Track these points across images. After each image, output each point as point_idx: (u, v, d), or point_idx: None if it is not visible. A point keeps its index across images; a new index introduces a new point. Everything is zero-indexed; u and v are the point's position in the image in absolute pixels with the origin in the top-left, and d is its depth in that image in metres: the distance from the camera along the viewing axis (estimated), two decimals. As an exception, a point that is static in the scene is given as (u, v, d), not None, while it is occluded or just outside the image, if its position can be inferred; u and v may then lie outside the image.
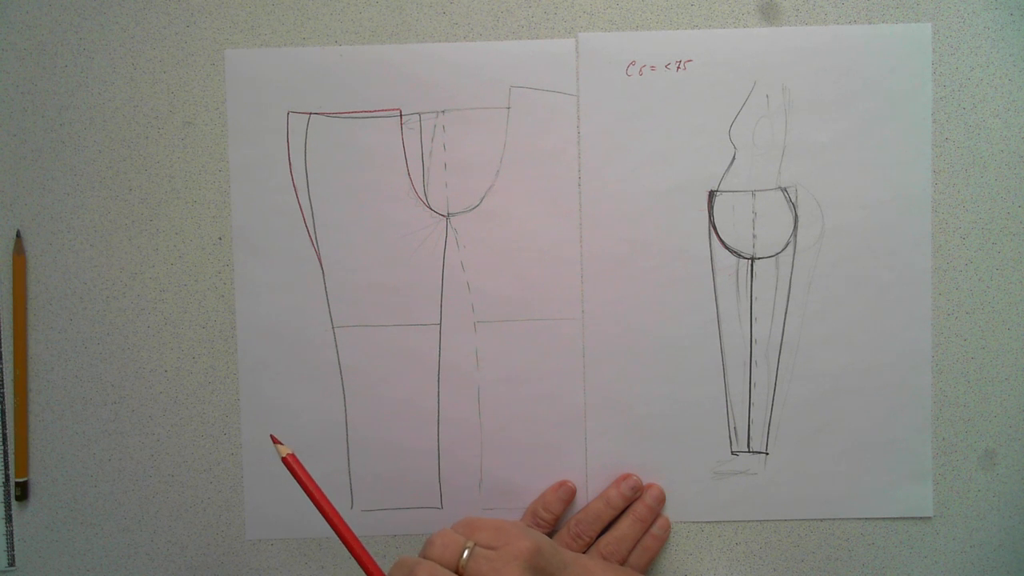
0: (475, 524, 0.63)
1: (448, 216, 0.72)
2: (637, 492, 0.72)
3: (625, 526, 0.72)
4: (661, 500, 0.73)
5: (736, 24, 0.72)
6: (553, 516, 0.72)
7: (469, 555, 0.60)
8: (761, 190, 0.72)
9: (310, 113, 0.72)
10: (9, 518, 0.73)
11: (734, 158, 0.72)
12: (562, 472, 0.73)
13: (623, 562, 0.71)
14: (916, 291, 0.73)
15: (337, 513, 0.62)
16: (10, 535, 0.73)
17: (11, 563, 0.73)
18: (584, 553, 0.71)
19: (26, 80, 0.71)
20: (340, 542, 0.72)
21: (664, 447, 0.72)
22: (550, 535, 0.72)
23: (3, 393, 0.72)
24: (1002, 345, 0.73)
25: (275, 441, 0.63)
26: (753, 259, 0.72)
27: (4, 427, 0.72)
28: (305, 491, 0.62)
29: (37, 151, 0.72)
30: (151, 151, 0.72)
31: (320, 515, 0.62)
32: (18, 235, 0.72)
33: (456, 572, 0.59)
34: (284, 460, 0.62)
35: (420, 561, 0.59)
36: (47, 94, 0.72)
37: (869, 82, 0.72)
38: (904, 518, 0.73)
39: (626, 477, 0.73)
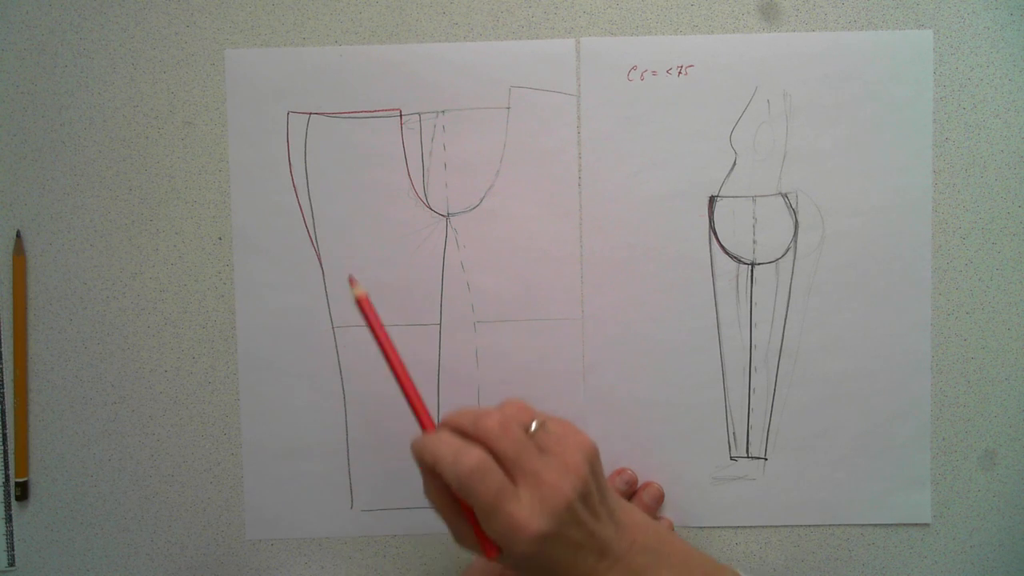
0: (544, 413, 0.62)
1: (448, 216, 0.72)
2: (632, 486, 0.72)
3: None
4: (659, 498, 0.73)
5: (737, 29, 0.71)
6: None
7: (539, 426, 0.59)
8: (762, 195, 0.72)
9: (310, 113, 0.72)
10: (9, 518, 0.73)
11: (735, 163, 0.72)
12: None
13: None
14: (916, 297, 0.73)
15: (401, 363, 0.61)
16: (10, 535, 0.73)
17: (11, 563, 0.73)
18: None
19: (26, 80, 0.71)
20: (340, 542, 0.72)
21: (663, 451, 0.72)
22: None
23: (3, 393, 0.72)
24: (1002, 345, 0.73)
25: (352, 282, 0.61)
26: (753, 264, 0.72)
27: (4, 427, 0.72)
28: (373, 334, 0.60)
29: (37, 151, 0.72)
30: (151, 151, 0.72)
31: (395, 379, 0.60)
32: (18, 235, 0.72)
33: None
34: (357, 300, 0.61)
35: (491, 409, 0.58)
36: (47, 94, 0.72)
37: (870, 88, 0.71)
38: (902, 524, 0.73)
39: (621, 471, 0.73)
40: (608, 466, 0.73)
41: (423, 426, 0.60)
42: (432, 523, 0.73)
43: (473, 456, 0.56)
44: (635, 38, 0.72)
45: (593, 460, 0.60)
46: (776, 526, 0.73)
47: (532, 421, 0.60)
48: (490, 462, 0.57)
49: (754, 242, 0.72)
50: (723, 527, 0.74)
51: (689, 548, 0.64)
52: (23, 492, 0.73)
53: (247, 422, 0.73)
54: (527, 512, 0.56)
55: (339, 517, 0.73)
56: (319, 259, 0.72)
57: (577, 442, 0.60)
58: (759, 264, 0.72)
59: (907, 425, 0.73)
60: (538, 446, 0.59)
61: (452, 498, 0.59)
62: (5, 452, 0.73)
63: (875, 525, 0.73)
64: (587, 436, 0.60)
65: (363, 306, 0.61)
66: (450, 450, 0.57)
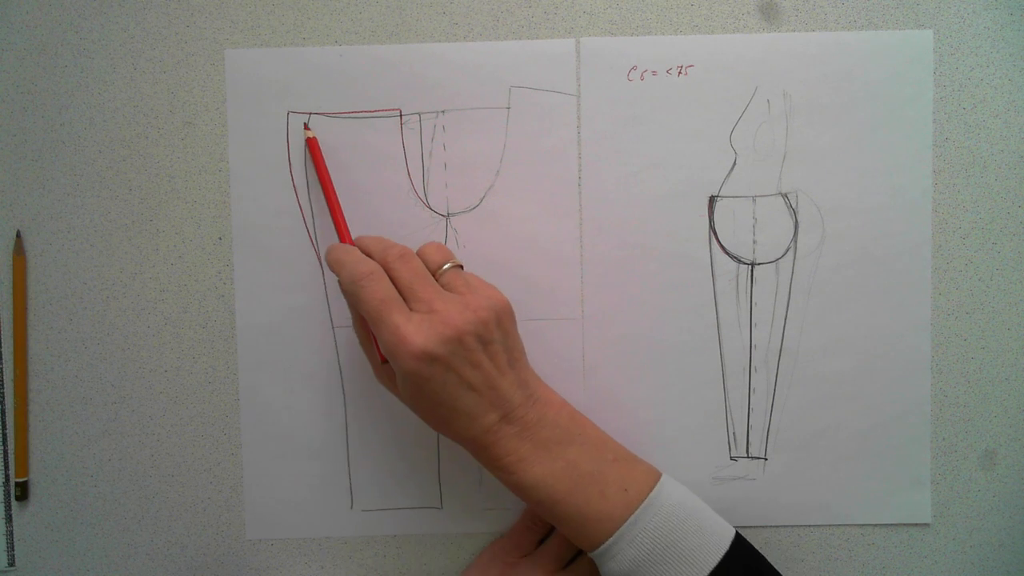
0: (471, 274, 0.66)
1: (448, 216, 0.72)
2: None
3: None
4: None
5: (737, 29, 0.71)
6: (552, 515, 0.72)
7: (450, 267, 0.64)
8: (762, 195, 0.72)
9: (310, 113, 0.72)
10: (9, 518, 0.73)
11: (735, 163, 0.72)
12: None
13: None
14: (916, 297, 0.73)
15: (331, 182, 0.70)
16: (10, 535, 0.73)
17: (11, 563, 0.73)
18: (583, 552, 0.71)
19: (26, 80, 0.71)
20: (340, 542, 0.72)
21: (663, 451, 0.72)
22: (548, 535, 0.72)
23: (3, 393, 0.72)
24: (1002, 345, 0.73)
25: (306, 127, 0.72)
26: (753, 264, 0.72)
27: (4, 427, 0.72)
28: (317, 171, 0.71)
29: (37, 151, 0.72)
30: (151, 151, 0.72)
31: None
32: (18, 235, 0.72)
33: (431, 273, 0.63)
34: (307, 141, 0.71)
35: (405, 249, 0.63)
36: (47, 94, 0.72)
37: (870, 88, 0.71)
38: (902, 524, 0.73)
39: None
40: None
41: (341, 239, 0.68)
42: (432, 523, 0.73)
43: (367, 265, 0.61)
44: (635, 38, 0.72)
45: (502, 314, 0.62)
46: (776, 526, 0.73)
47: (447, 262, 0.63)
48: (381, 273, 0.61)
49: (754, 242, 0.72)
50: (723, 527, 0.74)
51: (603, 434, 0.65)
52: (23, 492, 0.73)
53: (247, 422, 0.73)
54: (413, 328, 0.59)
55: (339, 517, 0.73)
56: (319, 259, 0.72)
57: (488, 294, 0.62)
58: (759, 264, 0.72)
59: (907, 425, 0.73)
60: (446, 285, 0.62)
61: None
62: (5, 452, 0.73)
63: (875, 525, 0.73)
64: (504, 297, 0.63)
65: (312, 147, 0.71)
66: (351, 257, 0.62)
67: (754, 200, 0.72)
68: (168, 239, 0.72)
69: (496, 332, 0.61)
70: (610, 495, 0.62)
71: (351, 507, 0.73)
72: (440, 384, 0.59)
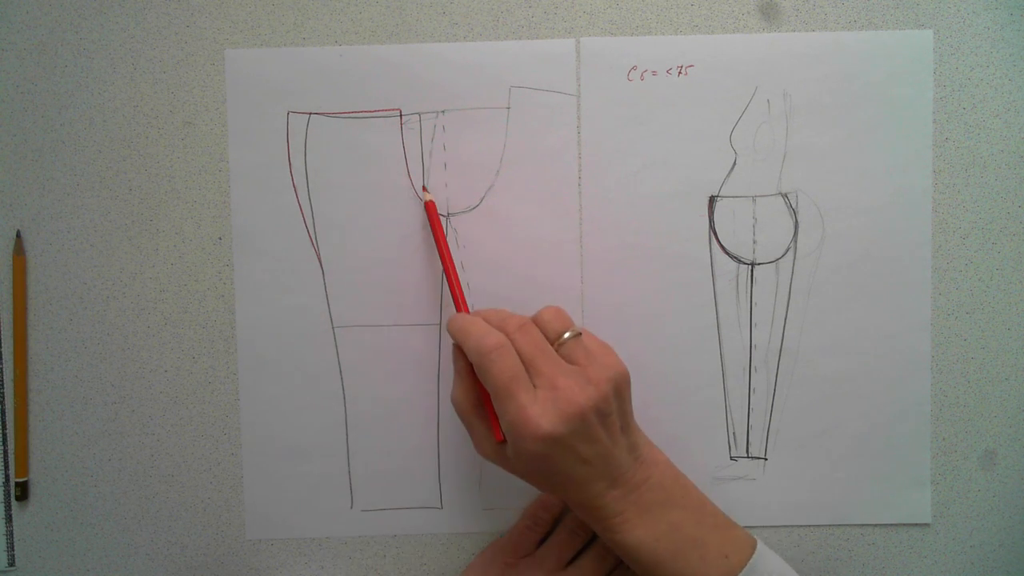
0: (587, 332, 0.65)
1: (448, 216, 0.72)
2: None
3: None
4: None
5: (737, 29, 0.71)
6: (551, 516, 0.72)
7: (572, 337, 0.62)
8: (762, 195, 0.72)
9: (310, 113, 0.72)
10: (9, 518, 0.73)
11: (735, 163, 0.72)
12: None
13: (620, 560, 0.71)
14: (916, 297, 0.72)
15: (449, 252, 0.70)
16: (10, 535, 0.73)
17: (11, 563, 0.73)
18: (582, 552, 0.71)
19: (26, 80, 0.71)
20: (340, 542, 0.72)
21: (663, 451, 0.72)
22: (548, 535, 0.72)
23: (3, 393, 0.72)
24: (1002, 345, 0.73)
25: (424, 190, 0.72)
26: (753, 264, 0.72)
27: (4, 427, 0.72)
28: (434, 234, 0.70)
29: (37, 151, 0.72)
30: (151, 151, 0.72)
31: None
32: (18, 235, 0.72)
33: (551, 343, 0.62)
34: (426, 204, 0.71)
35: (524, 319, 0.63)
36: (47, 94, 0.72)
37: (870, 88, 0.71)
38: (902, 524, 0.73)
39: None
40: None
41: (458, 308, 0.67)
42: (432, 523, 0.73)
43: (496, 337, 0.60)
44: (635, 38, 0.72)
45: (621, 385, 0.62)
46: (776, 526, 0.73)
47: (566, 331, 0.62)
48: (509, 347, 0.60)
49: (754, 242, 0.72)
50: (723, 527, 0.74)
51: (704, 498, 0.65)
52: (23, 492, 0.73)
53: (247, 422, 0.73)
54: (539, 409, 0.58)
55: (339, 517, 0.73)
56: (319, 259, 0.72)
57: (608, 363, 0.62)
58: (759, 264, 0.72)
59: (907, 425, 0.73)
60: (565, 356, 0.61)
61: (475, 391, 0.63)
62: (5, 452, 0.73)
63: (875, 525, 0.73)
64: (622, 363, 0.63)
65: (429, 211, 0.71)
66: (477, 329, 0.61)
67: (754, 200, 0.72)
68: (168, 239, 0.72)
69: (614, 403, 0.61)
70: (710, 560, 0.62)
71: (351, 507, 0.73)
72: (560, 461, 0.59)
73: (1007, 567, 0.74)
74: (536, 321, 0.63)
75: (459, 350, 0.64)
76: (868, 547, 0.73)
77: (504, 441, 0.61)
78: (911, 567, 0.74)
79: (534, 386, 0.59)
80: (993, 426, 0.73)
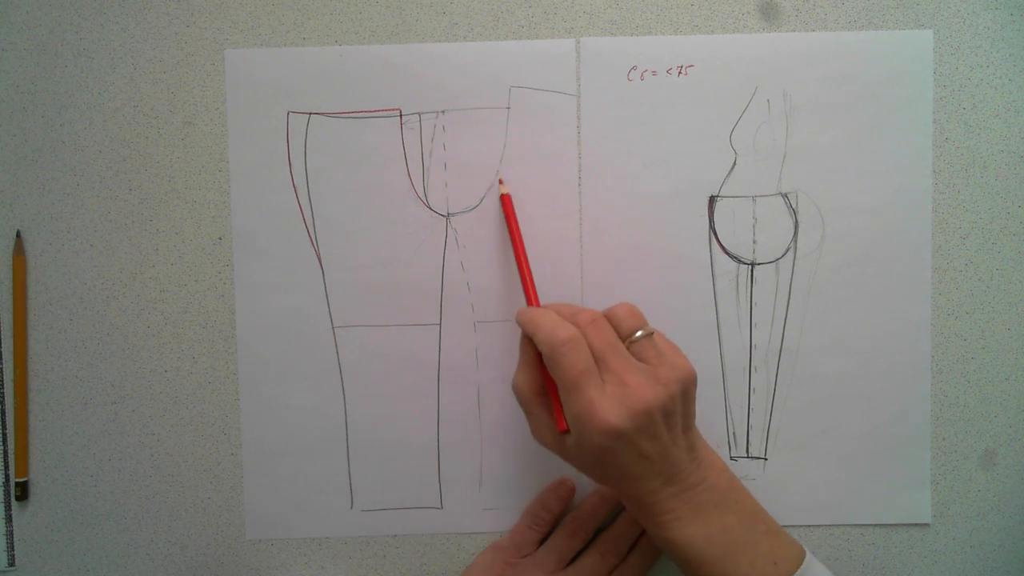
0: (659, 333, 0.65)
1: (448, 216, 0.72)
2: None
3: (623, 525, 0.71)
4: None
5: (737, 29, 0.71)
6: (552, 515, 0.72)
7: (644, 336, 0.63)
8: (762, 195, 0.72)
9: (310, 113, 0.72)
10: (9, 518, 0.73)
11: (735, 163, 0.72)
12: (561, 472, 0.73)
13: (621, 560, 0.71)
14: (916, 297, 0.73)
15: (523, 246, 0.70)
16: (10, 535, 0.73)
17: (11, 563, 0.73)
18: (583, 552, 0.71)
19: (26, 80, 0.71)
20: (340, 542, 0.72)
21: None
22: (548, 535, 0.72)
23: (3, 393, 0.72)
24: (1002, 345, 0.73)
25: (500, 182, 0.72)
26: (753, 264, 0.72)
27: (4, 427, 0.72)
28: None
29: (37, 151, 0.72)
30: (151, 151, 0.72)
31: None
32: (18, 235, 0.72)
33: (622, 339, 0.62)
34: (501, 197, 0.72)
35: (596, 314, 0.62)
36: (47, 94, 0.72)
37: (870, 88, 0.71)
38: (902, 524, 0.73)
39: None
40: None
41: (529, 302, 0.67)
42: (432, 523, 0.73)
43: (568, 330, 0.60)
44: (635, 38, 0.72)
45: (688, 387, 0.62)
46: (776, 526, 0.73)
47: (639, 329, 0.63)
48: (581, 340, 0.60)
49: (754, 242, 0.72)
50: (723, 527, 0.74)
51: (757, 504, 0.65)
52: (23, 492, 0.73)
53: (247, 422, 0.73)
54: (607, 403, 0.59)
55: (339, 517, 0.73)
56: (319, 259, 0.72)
57: (677, 364, 0.62)
58: (759, 264, 0.72)
59: (907, 425, 0.73)
60: (636, 354, 0.62)
61: (539, 380, 0.64)
62: (5, 452, 0.73)
63: (875, 525, 0.73)
64: (691, 365, 0.63)
65: (505, 204, 0.71)
66: (548, 321, 0.61)
67: (754, 200, 0.72)
68: (168, 239, 0.72)
69: (679, 404, 0.61)
70: (759, 566, 0.62)
71: (351, 507, 0.73)
72: (621, 455, 0.60)
73: (1007, 567, 0.74)
74: (609, 317, 0.63)
75: (527, 339, 0.64)
76: (868, 547, 0.73)
77: (567, 431, 0.61)
78: (911, 567, 0.74)
79: (603, 381, 0.60)
80: (993, 426, 0.73)
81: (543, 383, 0.64)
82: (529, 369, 0.64)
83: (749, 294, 0.72)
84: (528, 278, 0.68)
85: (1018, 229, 0.73)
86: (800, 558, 0.63)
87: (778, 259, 0.72)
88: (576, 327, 0.61)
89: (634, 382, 0.59)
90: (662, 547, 0.64)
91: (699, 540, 0.61)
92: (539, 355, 0.63)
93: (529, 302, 0.67)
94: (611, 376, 0.60)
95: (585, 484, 0.73)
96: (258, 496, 0.73)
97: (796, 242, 0.72)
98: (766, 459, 0.73)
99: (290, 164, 0.72)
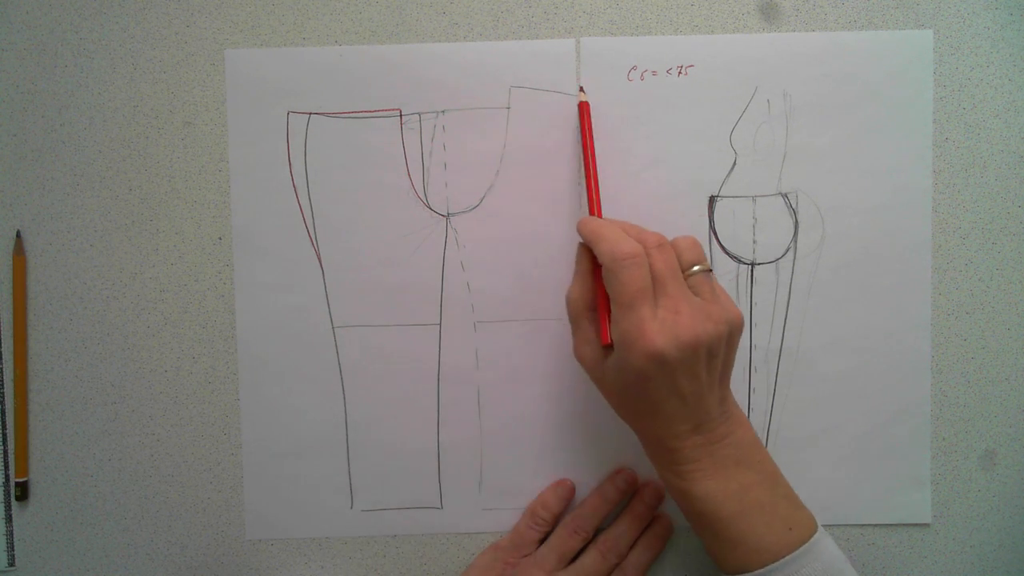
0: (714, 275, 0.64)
1: (448, 216, 0.72)
2: (632, 486, 0.72)
3: (623, 524, 0.71)
4: (659, 497, 0.72)
5: (737, 29, 0.71)
6: (552, 515, 0.72)
7: (701, 271, 0.62)
8: (762, 195, 0.72)
9: (310, 113, 0.72)
10: (9, 518, 0.73)
11: (735, 163, 0.72)
12: (561, 472, 0.73)
13: (621, 559, 0.71)
14: (916, 297, 0.73)
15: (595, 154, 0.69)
16: (10, 535, 0.73)
17: (11, 563, 0.73)
18: (583, 551, 0.71)
19: (26, 80, 0.71)
20: (340, 542, 0.72)
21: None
22: (548, 535, 0.72)
23: (3, 393, 0.72)
24: (1002, 345, 0.73)
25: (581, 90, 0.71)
26: (753, 264, 0.72)
27: (4, 427, 0.72)
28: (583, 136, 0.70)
29: (37, 151, 0.72)
30: (151, 151, 0.72)
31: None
32: (18, 235, 0.72)
33: (682, 270, 0.62)
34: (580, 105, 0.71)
35: (662, 238, 0.62)
36: (47, 94, 0.71)
37: (870, 88, 0.71)
38: (902, 524, 0.73)
39: (620, 471, 0.73)
40: (609, 469, 0.73)
41: (592, 211, 0.67)
42: (432, 523, 0.73)
43: (632, 246, 0.59)
44: (635, 38, 0.72)
45: (735, 331, 0.61)
46: (776, 526, 0.73)
47: (699, 263, 0.62)
48: (643, 258, 0.59)
49: (754, 242, 0.72)
50: (723, 527, 0.74)
51: (778, 470, 0.64)
52: (23, 492, 0.72)
53: (247, 422, 0.73)
54: (657, 326, 0.58)
55: (339, 517, 0.73)
56: (319, 259, 0.72)
57: (728, 308, 0.61)
58: (759, 264, 0.72)
59: (907, 425, 0.73)
60: (692, 287, 0.61)
61: (592, 294, 0.64)
62: (5, 452, 0.73)
63: (875, 525, 0.73)
64: (741, 314, 0.62)
65: (582, 112, 0.70)
66: (612, 234, 0.61)
67: (754, 200, 0.72)
68: (168, 239, 0.72)
69: (724, 347, 0.61)
70: (775, 528, 0.61)
71: (351, 507, 0.73)
72: (657, 386, 0.59)
73: (1007, 567, 0.74)
74: (673, 244, 0.62)
75: (586, 251, 0.64)
76: (868, 547, 0.73)
77: (610, 347, 0.61)
78: (911, 567, 0.74)
79: (657, 305, 0.59)
80: (993, 426, 0.73)
81: (595, 298, 0.64)
82: (583, 281, 0.64)
83: (749, 294, 0.72)
84: (595, 188, 0.67)
85: (1018, 229, 0.73)
86: (813, 529, 0.62)
87: (778, 259, 0.72)
88: (642, 245, 0.60)
89: (687, 312, 0.59)
90: (676, 498, 0.63)
91: (718, 495, 0.61)
92: (596, 268, 0.63)
93: (592, 212, 0.67)
94: (667, 301, 0.59)
95: (585, 484, 0.73)
96: (258, 496, 0.73)
97: (796, 242, 0.72)
98: (766, 459, 0.73)
99: (290, 164, 0.72)
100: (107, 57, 0.72)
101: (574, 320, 0.64)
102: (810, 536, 0.62)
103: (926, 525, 0.73)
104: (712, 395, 0.61)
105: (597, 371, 0.63)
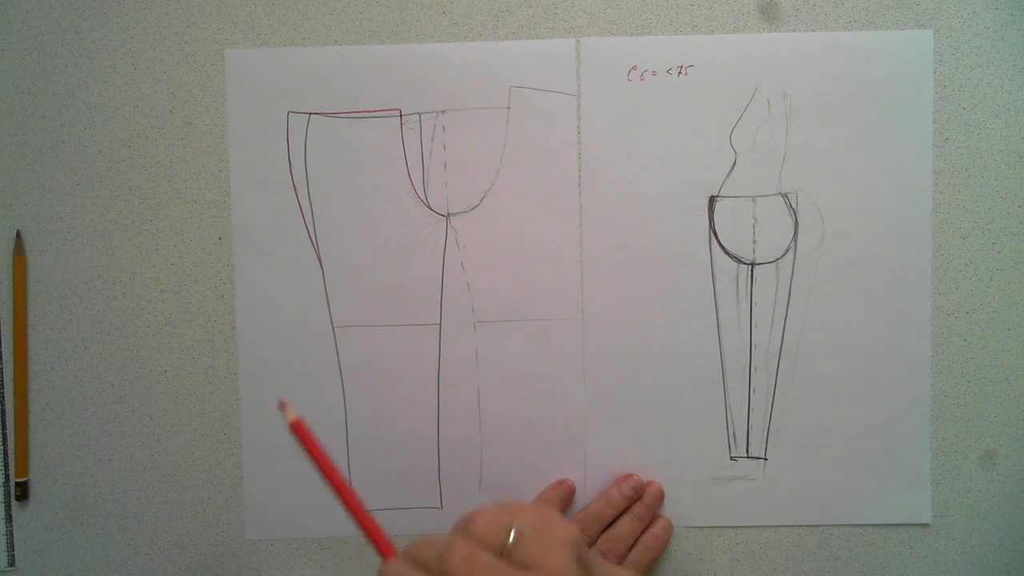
0: (514, 507, 0.53)
1: (448, 216, 0.72)
2: (638, 492, 0.72)
3: (624, 524, 0.72)
4: (660, 498, 0.73)
5: (737, 29, 0.71)
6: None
7: (516, 537, 0.52)
8: (762, 195, 0.72)
9: (310, 113, 0.72)
10: (9, 518, 0.73)
11: (735, 163, 0.72)
12: (561, 472, 0.73)
13: (621, 559, 0.71)
14: (916, 297, 0.73)
15: (344, 482, 0.57)
16: (10, 535, 0.73)
17: (11, 563, 0.73)
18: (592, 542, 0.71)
19: (26, 80, 0.71)
20: (340, 542, 0.72)
21: (663, 451, 0.72)
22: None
23: (3, 393, 0.72)
24: (1002, 345, 0.73)
25: (283, 406, 0.55)
26: (753, 264, 0.72)
27: (4, 427, 0.72)
28: (312, 458, 0.56)
29: (37, 151, 0.72)
30: (151, 151, 0.72)
31: (330, 492, 0.57)
32: (18, 235, 0.72)
33: (499, 555, 0.51)
34: (292, 425, 0.55)
35: (456, 540, 0.50)
36: (47, 94, 0.72)
37: (870, 88, 0.71)
38: (902, 524, 0.73)
39: (627, 477, 0.73)
40: (609, 469, 0.73)
41: (383, 553, 0.55)
42: (432, 523, 0.73)
43: None
44: (635, 38, 0.72)
45: (579, 551, 0.53)
46: (776, 526, 0.73)
47: (508, 533, 0.52)
48: None
49: (754, 242, 0.72)
50: (723, 527, 0.73)
51: None
52: (23, 492, 0.73)
53: (247, 422, 0.73)
54: None
55: (339, 517, 0.73)
56: (319, 259, 0.72)
57: (557, 540, 0.52)
58: (759, 264, 0.72)
59: (907, 425, 0.73)
60: (520, 561, 0.52)
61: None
62: (5, 452, 0.73)
63: (875, 525, 0.73)
64: (565, 525, 0.54)
65: (298, 432, 0.56)
66: None
67: (754, 200, 0.72)
68: (168, 239, 0.72)
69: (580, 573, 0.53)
70: None
71: (351, 507, 0.73)
72: None
73: (1007, 567, 0.74)
74: (471, 534, 0.52)
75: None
76: (868, 547, 0.73)
77: None
78: (911, 567, 0.74)
79: None
80: (993, 426, 0.73)
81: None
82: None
83: (749, 294, 0.72)
84: (371, 526, 0.56)
85: (1018, 229, 0.73)
86: None
87: (778, 259, 0.72)
88: (448, 567, 0.50)
89: None
90: None
91: None
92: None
93: (384, 555, 0.55)
94: None
95: (585, 484, 0.73)
96: (258, 496, 0.73)
97: (796, 242, 0.72)
98: (766, 459, 0.73)
99: (290, 164, 0.72)
100: (107, 57, 0.72)
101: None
102: None
103: (926, 525, 0.73)
104: None
105: None
